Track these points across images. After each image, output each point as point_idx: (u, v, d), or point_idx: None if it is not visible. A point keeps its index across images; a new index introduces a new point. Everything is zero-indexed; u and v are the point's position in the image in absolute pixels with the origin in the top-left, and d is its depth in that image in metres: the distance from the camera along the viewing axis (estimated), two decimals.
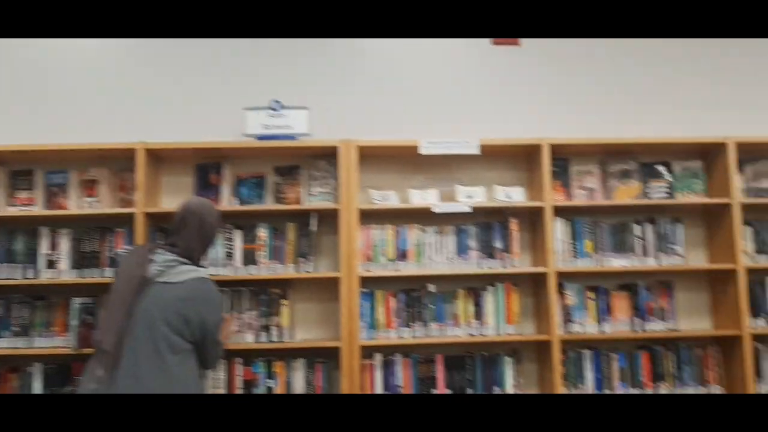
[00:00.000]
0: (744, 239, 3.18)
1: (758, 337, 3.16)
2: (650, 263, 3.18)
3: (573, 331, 3.12)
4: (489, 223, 3.17)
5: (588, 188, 3.30)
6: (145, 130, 3.22)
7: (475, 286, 3.14)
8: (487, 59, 3.48)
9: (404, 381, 3.04)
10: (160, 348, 2.17)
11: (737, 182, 3.18)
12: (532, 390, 3.21)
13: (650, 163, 3.32)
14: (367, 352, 3.04)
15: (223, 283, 2.40)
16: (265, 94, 3.23)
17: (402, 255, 3.11)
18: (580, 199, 3.27)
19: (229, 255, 3.04)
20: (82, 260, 3.03)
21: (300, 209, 3.07)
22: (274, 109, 3.12)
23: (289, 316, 3.05)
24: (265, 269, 3.04)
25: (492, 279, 3.16)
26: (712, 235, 3.34)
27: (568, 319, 3.13)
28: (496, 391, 3.06)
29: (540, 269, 3.09)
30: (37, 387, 2.95)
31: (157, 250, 2.33)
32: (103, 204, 3.14)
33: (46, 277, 3.00)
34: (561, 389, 3.00)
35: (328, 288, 3.13)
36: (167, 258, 2.30)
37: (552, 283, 3.04)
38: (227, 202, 3.16)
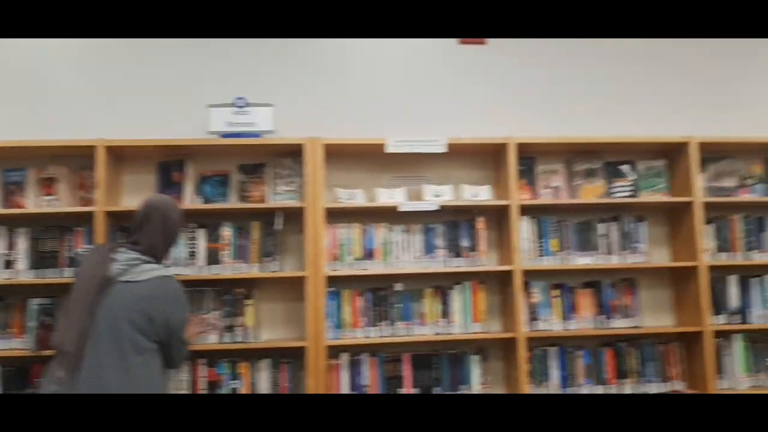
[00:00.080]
0: (705, 237, 3.23)
1: (719, 334, 3.21)
2: (614, 261, 3.21)
3: (539, 328, 3.14)
4: (456, 221, 3.17)
5: (554, 187, 3.32)
6: (105, 127, 3.14)
7: (442, 284, 3.14)
8: (454, 58, 3.48)
9: (371, 380, 3.03)
10: (123, 348, 2.12)
11: (699, 181, 3.23)
12: (499, 387, 3.22)
13: (614, 162, 3.36)
14: (334, 351, 3.02)
15: (185, 283, 2.35)
16: (230, 91, 3.19)
17: (369, 254, 3.09)
18: (545, 197, 3.29)
19: (192, 254, 2.99)
20: (40, 260, 2.95)
21: (265, 208, 3.04)
22: (238, 106, 3.08)
23: (254, 316, 3.01)
24: (229, 269, 2.99)
25: (459, 277, 3.16)
26: (674, 233, 3.39)
27: (533, 316, 3.15)
28: (463, 389, 3.06)
29: (506, 267, 3.10)
30: None
31: (119, 249, 2.28)
32: (62, 202, 3.06)
33: (3, 277, 2.92)
34: (527, 387, 3.01)
35: (294, 287, 3.10)
36: (130, 256, 2.25)
37: (518, 281, 3.05)
38: (190, 200, 3.10)
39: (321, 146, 3.01)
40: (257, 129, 3.07)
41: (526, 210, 3.18)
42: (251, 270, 3.00)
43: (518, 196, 3.12)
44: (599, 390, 3.13)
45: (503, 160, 3.18)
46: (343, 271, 3.04)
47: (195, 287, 2.97)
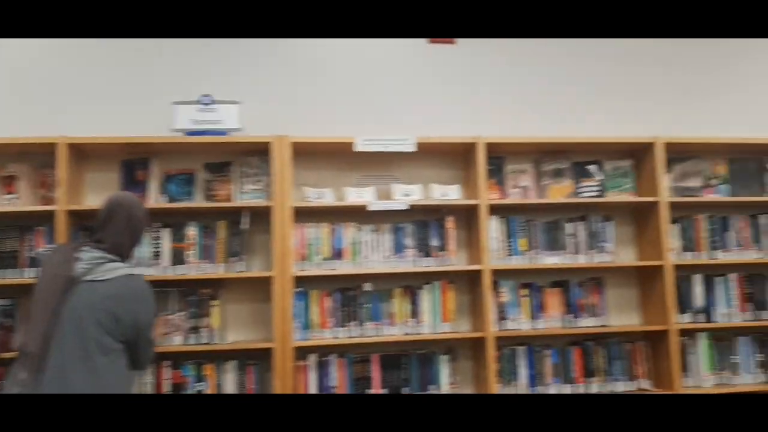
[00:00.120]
0: (671, 237, 3.27)
1: (684, 332, 3.25)
2: (582, 260, 3.23)
3: (507, 328, 3.15)
4: (426, 221, 3.16)
5: (522, 187, 3.33)
6: (68, 124, 3.05)
7: (411, 284, 3.13)
8: (423, 58, 3.47)
9: (339, 382, 3.00)
10: (89, 349, 2.08)
11: (665, 181, 3.27)
12: (468, 387, 3.21)
13: (582, 162, 3.38)
14: (301, 352, 2.99)
15: (150, 284, 2.31)
16: (195, 87, 3.13)
17: (338, 254, 3.06)
18: (514, 197, 3.30)
19: (157, 254, 2.93)
20: (0, 260, 2.87)
21: (231, 207, 2.99)
22: (204, 104, 3.03)
23: (220, 317, 2.96)
24: (195, 269, 2.94)
25: (428, 277, 3.15)
26: (640, 232, 3.42)
27: (502, 316, 3.16)
28: (432, 389, 3.05)
29: (475, 267, 3.10)
30: None
31: (83, 248, 2.23)
32: (22, 201, 2.97)
33: None
34: (495, 386, 3.01)
35: (261, 288, 3.05)
36: (94, 255, 2.20)
37: (487, 281, 3.05)
38: (155, 199, 3.04)
39: (288, 144, 2.98)
40: (223, 127, 3.02)
41: (495, 209, 3.19)
42: (217, 270, 2.95)
43: (487, 195, 3.12)
44: (567, 389, 3.15)
45: (472, 160, 3.18)
46: (312, 271, 3.01)
47: (159, 288, 2.89)
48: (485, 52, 3.50)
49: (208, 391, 2.89)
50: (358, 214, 3.14)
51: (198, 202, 3.10)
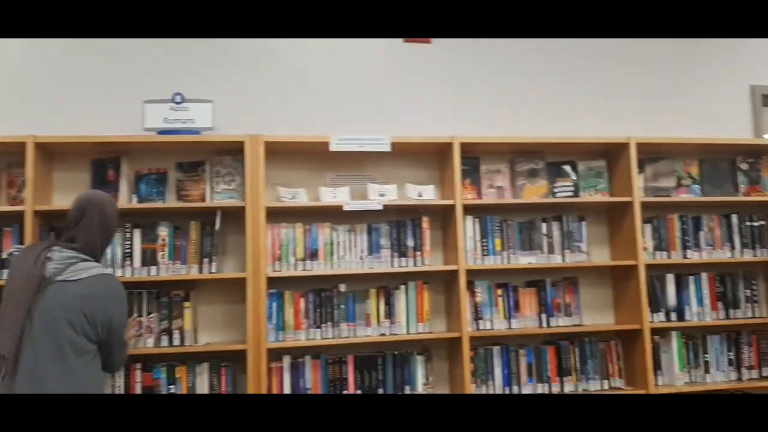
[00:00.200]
0: (644, 236, 3.30)
1: (657, 331, 3.28)
2: (556, 260, 3.24)
3: (482, 327, 3.15)
4: (401, 221, 3.14)
5: (497, 187, 3.34)
6: (36, 124, 3.00)
7: (387, 284, 3.12)
8: (399, 57, 3.46)
9: (313, 383, 2.97)
10: (63, 350, 2.04)
11: (638, 181, 3.30)
12: (443, 387, 3.21)
13: (557, 162, 3.39)
14: (276, 354, 2.96)
15: (122, 284, 2.27)
16: (168, 86, 3.09)
17: (312, 254, 3.04)
18: (489, 197, 3.30)
19: (128, 255, 2.88)
20: None
21: (204, 207, 2.95)
22: (176, 102, 2.98)
23: (192, 319, 2.92)
24: (166, 270, 2.90)
25: (404, 277, 3.14)
26: (614, 232, 3.45)
27: (477, 316, 3.15)
28: (407, 390, 3.04)
29: (451, 267, 3.09)
30: None
31: (54, 248, 2.18)
32: None
33: None
34: (471, 386, 3.01)
35: (234, 289, 3.02)
36: (66, 255, 2.16)
37: (462, 281, 3.05)
38: (126, 199, 2.99)
39: (262, 144, 2.94)
40: (196, 126, 2.98)
41: (470, 209, 3.19)
42: (189, 271, 2.91)
43: (462, 195, 3.12)
44: (541, 388, 3.16)
45: (447, 160, 3.18)
46: (286, 271, 2.98)
47: (130, 289, 2.85)
48: (460, 52, 3.50)
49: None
50: (332, 215, 3.12)
51: (170, 202, 3.05)
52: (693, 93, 3.75)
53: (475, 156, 3.31)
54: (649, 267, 3.27)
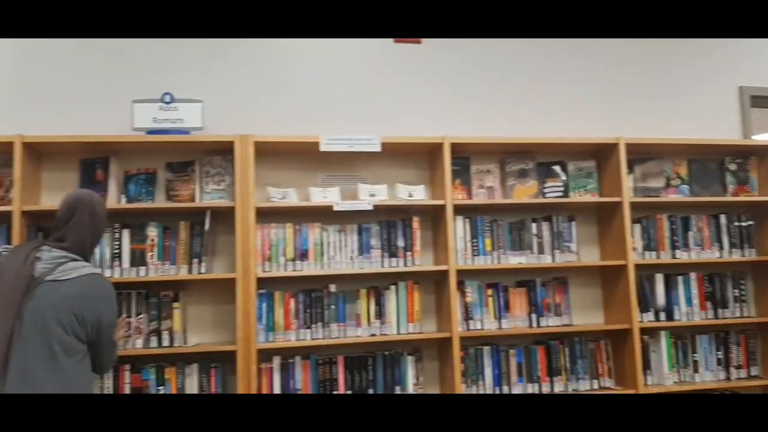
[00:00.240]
0: (633, 236, 3.31)
1: (646, 331, 3.30)
2: (546, 260, 3.25)
3: (473, 328, 3.15)
4: (391, 221, 3.14)
5: (488, 187, 3.34)
6: (24, 123, 2.98)
7: (377, 285, 3.11)
8: (389, 57, 3.45)
9: (303, 384, 2.97)
10: (54, 350, 2.03)
11: (627, 182, 3.31)
12: (433, 388, 3.21)
13: (547, 162, 3.40)
14: (266, 355, 2.95)
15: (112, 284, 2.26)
16: (157, 86, 3.08)
17: (302, 254, 3.03)
18: (480, 197, 3.31)
19: (116, 255, 2.86)
20: None
21: (193, 207, 2.94)
22: (165, 102, 2.97)
23: (182, 320, 2.91)
24: (155, 270, 2.88)
25: (394, 278, 3.14)
26: (604, 232, 3.46)
27: (468, 316, 3.16)
28: (398, 390, 3.04)
29: (441, 267, 3.09)
30: None
31: (43, 247, 2.17)
32: None
33: None
34: (461, 386, 3.01)
35: (224, 290, 3.01)
36: (55, 254, 2.14)
37: (453, 281, 3.05)
38: (115, 199, 2.97)
39: (252, 144, 2.93)
40: (185, 126, 2.97)
41: (460, 210, 3.19)
42: (179, 272, 2.90)
43: (453, 195, 3.12)
44: (531, 388, 3.16)
45: (438, 160, 3.18)
46: (276, 272, 2.97)
47: (119, 290, 2.82)
48: (451, 52, 3.51)
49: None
50: (323, 215, 3.12)
51: (159, 202, 3.04)
52: (682, 94, 3.77)
53: (465, 156, 3.31)
54: (639, 267, 3.29)
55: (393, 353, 3.08)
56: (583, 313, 3.43)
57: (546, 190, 3.37)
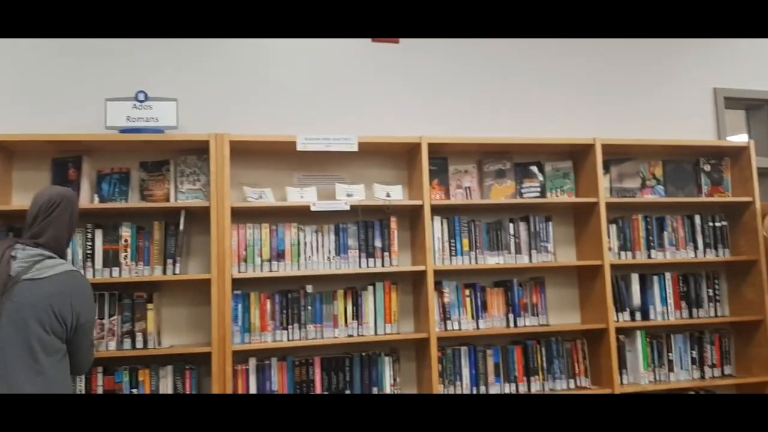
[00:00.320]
0: (609, 237, 3.33)
1: (622, 330, 3.32)
2: (523, 260, 3.26)
3: (450, 328, 3.15)
4: (369, 221, 3.13)
5: (465, 187, 3.34)
6: None
7: (354, 285, 3.10)
8: (367, 57, 3.44)
9: (280, 385, 2.94)
10: (34, 349, 1.99)
11: (603, 182, 3.33)
12: (410, 388, 3.20)
13: (524, 163, 3.41)
14: (241, 356, 2.92)
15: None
16: (130, 84, 3.04)
17: (278, 255, 3.00)
18: (458, 197, 3.31)
19: (89, 256, 2.82)
20: None
21: (168, 207, 2.90)
22: (139, 101, 2.93)
23: (156, 321, 2.87)
24: (129, 271, 2.84)
25: (372, 278, 3.13)
26: (580, 232, 3.48)
27: (445, 316, 3.15)
28: (375, 391, 3.02)
29: (419, 268, 3.09)
30: None
31: (17, 246, 2.12)
32: None
33: None
34: (438, 386, 3.01)
35: (199, 291, 2.98)
36: (30, 253, 2.10)
37: (430, 282, 3.04)
38: (87, 199, 2.92)
39: (227, 143, 2.89)
40: (159, 124, 2.93)
41: (438, 210, 3.19)
42: (153, 272, 2.86)
43: (431, 196, 3.11)
44: (508, 388, 3.17)
45: (416, 160, 3.17)
46: (251, 273, 2.94)
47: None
48: (429, 52, 3.50)
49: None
50: (299, 215, 3.10)
51: (133, 202, 2.99)
52: (657, 95, 3.81)
53: (443, 156, 3.31)
54: (614, 267, 3.31)
55: (370, 354, 3.06)
56: (560, 313, 3.45)
57: (523, 191, 3.38)
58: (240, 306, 2.92)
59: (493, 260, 3.23)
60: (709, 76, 3.90)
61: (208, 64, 3.24)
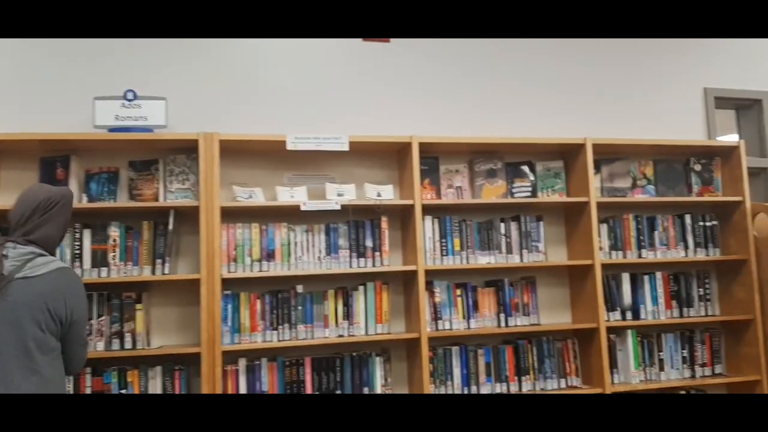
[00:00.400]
0: (600, 236, 3.34)
1: (613, 330, 3.32)
2: (514, 260, 3.26)
3: (442, 328, 3.14)
4: (360, 221, 3.12)
5: (456, 187, 3.34)
6: None
7: (345, 285, 3.09)
8: (357, 56, 3.43)
9: (270, 386, 2.93)
10: (29, 348, 1.98)
11: (594, 182, 3.33)
12: (402, 388, 3.19)
13: (515, 162, 3.41)
14: (231, 357, 2.90)
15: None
16: (119, 83, 3.01)
17: (269, 255, 2.99)
18: (449, 197, 3.30)
19: (77, 256, 2.80)
20: None
21: (157, 207, 2.88)
22: (128, 99, 2.91)
23: (145, 322, 2.85)
24: (118, 271, 2.82)
25: (363, 278, 3.11)
26: (571, 232, 3.48)
27: (437, 316, 3.15)
28: (366, 391, 3.01)
29: (410, 267, 3.08)
30: None
31: (7, 244, 2.10)
32: None
33: None
34: (429, 387, 3.00)
35: (188, 291, 2.96)
36: (21, 251, 2.08)
37: (421, 281, 3.03)
38: (76, 198, 2.88)
39: (217, 142, 2.88)
40: (148, 123, 2.91)
41: (429, 209, 3.18)
42: (141, 273, 2.84)
43: (422, 195, 3.11)
44: (499, 388, 3.16)
45: (406, 160, 3.16)
46: (241, 273, 2.92)
47: None
48: (420, 51, 3.50)
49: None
50: (290, 215, 3.08)
51: (121, 201, 2.97)
52: (648, 95, 3.82)
53: (434, 156, 3.30)
54: (605, 266, 3.31)
55: (361, 354, 3.05)
56: (551, 313, 3.45)
57: (514, 190, 3.38)
58: (230, 306, 2.91)
59: (484, 260, 3.22)
60: (699, 76, 3.92)
61: (197, 63, 3.22)
